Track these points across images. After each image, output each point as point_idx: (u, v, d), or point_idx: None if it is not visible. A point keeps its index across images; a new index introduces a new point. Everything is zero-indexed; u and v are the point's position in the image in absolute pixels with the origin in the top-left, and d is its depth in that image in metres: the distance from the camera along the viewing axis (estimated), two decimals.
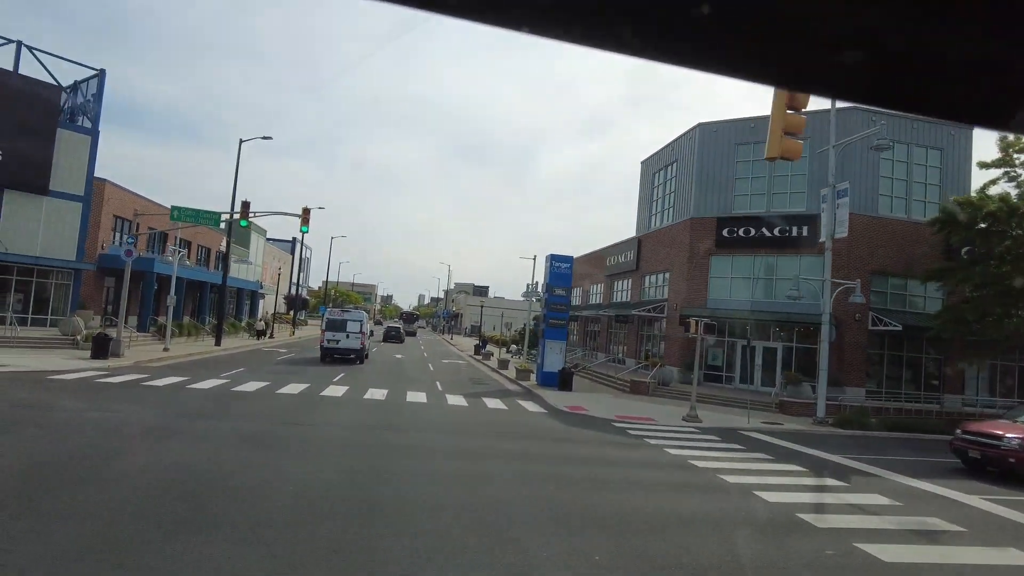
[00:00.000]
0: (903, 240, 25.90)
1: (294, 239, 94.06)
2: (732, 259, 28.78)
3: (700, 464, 12.42)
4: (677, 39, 0.63)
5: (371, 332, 40.17)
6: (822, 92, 0.75)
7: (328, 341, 30.74)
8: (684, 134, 32.44)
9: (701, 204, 30.00)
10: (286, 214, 29.52)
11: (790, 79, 0.78)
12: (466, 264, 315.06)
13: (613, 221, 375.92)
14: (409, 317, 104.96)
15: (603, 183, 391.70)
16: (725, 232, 28.64)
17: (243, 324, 49.14)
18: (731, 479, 11.11)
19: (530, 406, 19.91)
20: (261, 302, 69.02)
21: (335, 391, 19.07)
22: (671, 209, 33.31)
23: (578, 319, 45.21)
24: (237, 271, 56.75)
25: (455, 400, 19.65)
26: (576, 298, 48.03)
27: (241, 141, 34.78)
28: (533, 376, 28.10)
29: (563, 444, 13.95)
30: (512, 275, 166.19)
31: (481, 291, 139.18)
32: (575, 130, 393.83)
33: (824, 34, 0.62)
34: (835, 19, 0.60)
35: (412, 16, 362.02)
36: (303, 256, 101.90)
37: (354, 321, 31.59)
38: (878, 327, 24.87)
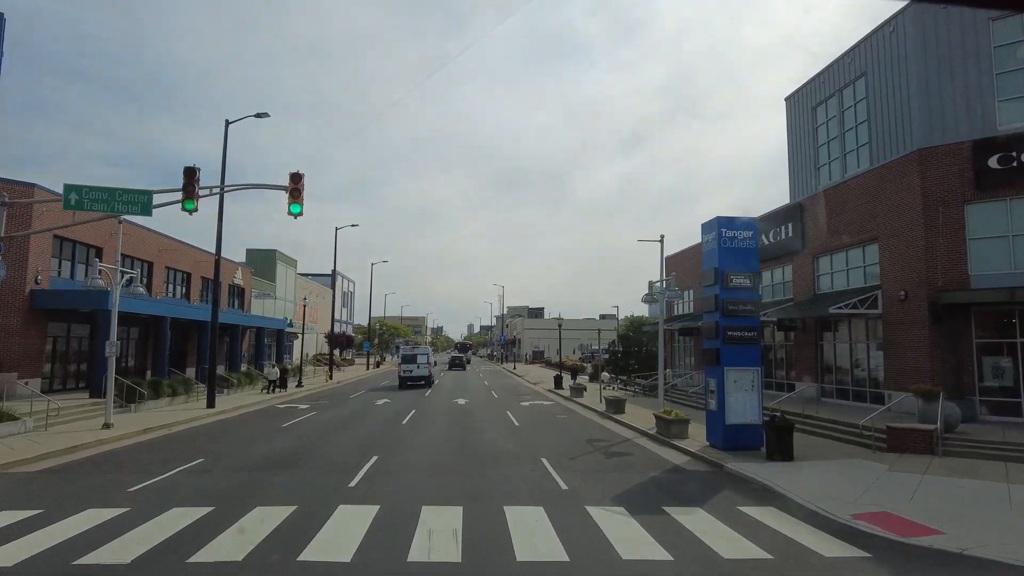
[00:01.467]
0: None
1: (334, 271, 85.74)
2: (1008, 205, 17.01)
3: None
4: None
5: (435, 362, 48.30)
6: None
7: (404, 371, 38.63)
8: (876, 31, 21.00)
9: (935, 125, 18.41)
10: (266, 187, 19.31)
11: None
12: (513, 288, 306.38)
13: (652, 232, 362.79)
14: (462, 347, 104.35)
15: (642, 198, 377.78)
16: (992, 162, 16.96)
17: (265, 372, 39.55)
18: None
19: (790, 526, 8.68)
20: (296, 343, 60.02)
21: (337, 537, 8.34)
22: (863, 148, 21.73)
23: (691, 333, 33.63)
24: (262, 308, 47.83)
25: (609, 521, 8.66)
26: (681, 306, 36.53)
27: (228, 122, 25.31)
28: (689, 428, 16.95)
29: None
30: (568, 295, 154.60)
31: (536, 313, 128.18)
32: (611, 150, 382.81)
33: None
34: None
35: (440, 55, 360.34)
36: (345, 290, 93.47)
37: (422, 355, 39.23)
38: None
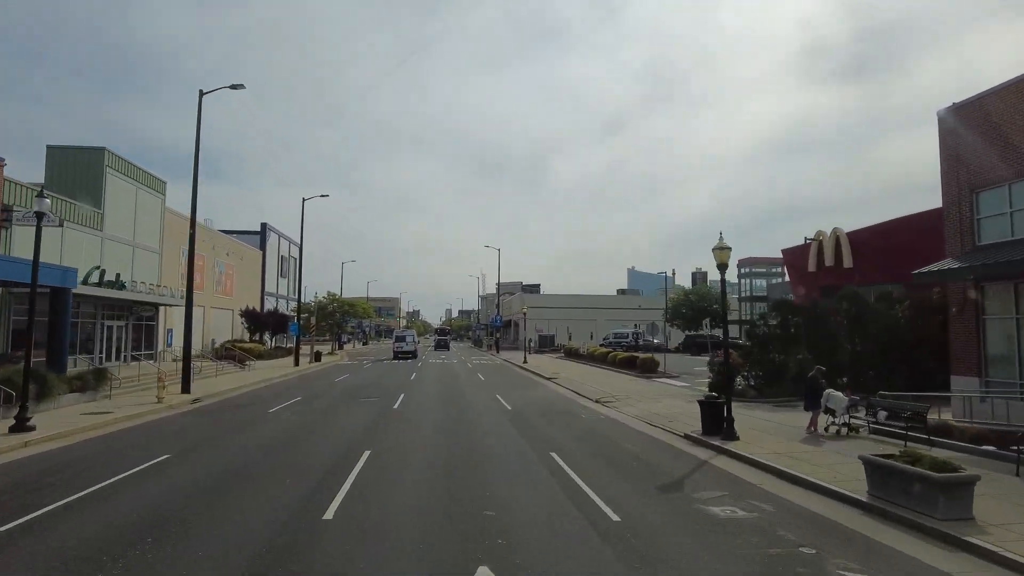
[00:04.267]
0: None
1: (264, 227, 62.33)
2: None
3: None
4: None
5: (419, 341, 65.90)
6: None
7: (396, 347, 51.04)
8: None
9: None
10: None
11: None
12: (496, 267, 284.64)
13: (634, 222, 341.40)
14: (442, 331, 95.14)
15: (622, 183, 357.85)
16: None
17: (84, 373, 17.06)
18: None
19: None
20: (170, 320, 37.20)
21: None
22: None
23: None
24: (59, 248, 24.05)
25: None
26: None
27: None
28: None
29: None
30: (551, 279, 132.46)
31: (532, 290, 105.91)
32: (590, 135, 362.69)
33: None
34: None
35: (417, 37, 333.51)
36: (283, 254, 70.09)
37: (410, 336, 54.90)
38: None
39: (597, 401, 21.18)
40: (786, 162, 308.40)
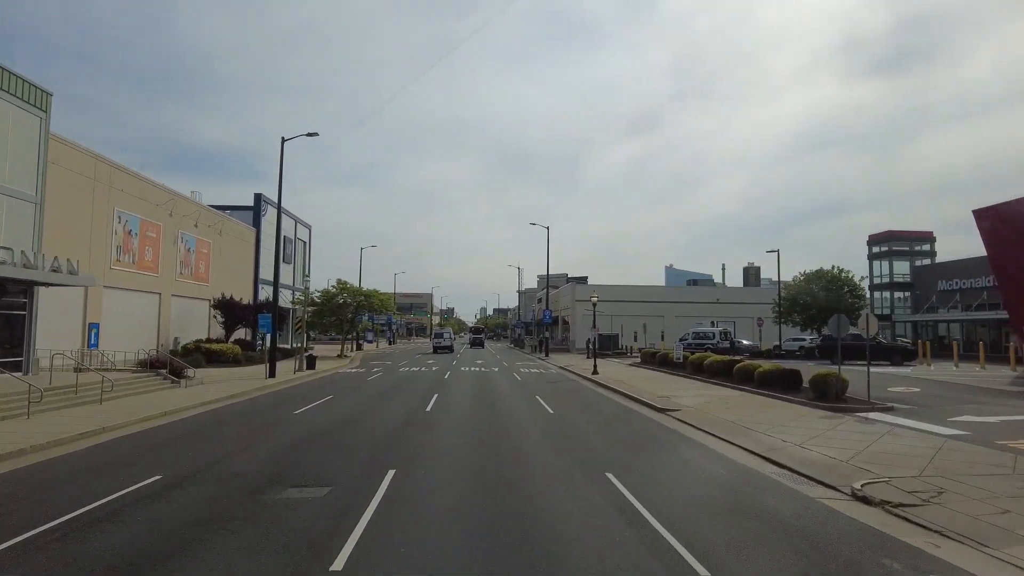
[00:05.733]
0: None
1: (259, 199, 50.78)
2: None
3: None
4: None
5: (455, 337, 71.66)
6: None
7: (435, 342, 61.53)
8: None
9: None
10: None
11: None
12: (531, 267, 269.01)
13: (660, 222, 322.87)
14: (477, 330, 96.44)
15: (653, 180, 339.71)
16: None
17: None
18: None
19: None
20: (84, 300, 25.57)
21: None
22: None
23: None
24: None
25: None
26: None
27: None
28: None
29: None
30: (592, 275, 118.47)
31: (581, 282, 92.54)
32: (621, 131, 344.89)
33: None
34: None
35: (451, 36, 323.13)
36: (280, 235, 58.56)
37: (448, 332, 63.89)
38: None
39: (892, 507, 8.12)
40: (824, 157, 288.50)
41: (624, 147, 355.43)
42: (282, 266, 54.30)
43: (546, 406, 19.01)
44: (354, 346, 59.81)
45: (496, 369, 36.17)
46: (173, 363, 23.30)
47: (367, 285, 51.68)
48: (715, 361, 25.45)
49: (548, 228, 53.11)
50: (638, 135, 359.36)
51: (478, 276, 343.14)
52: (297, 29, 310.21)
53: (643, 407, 19.06)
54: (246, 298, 43.11)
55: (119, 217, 29.03)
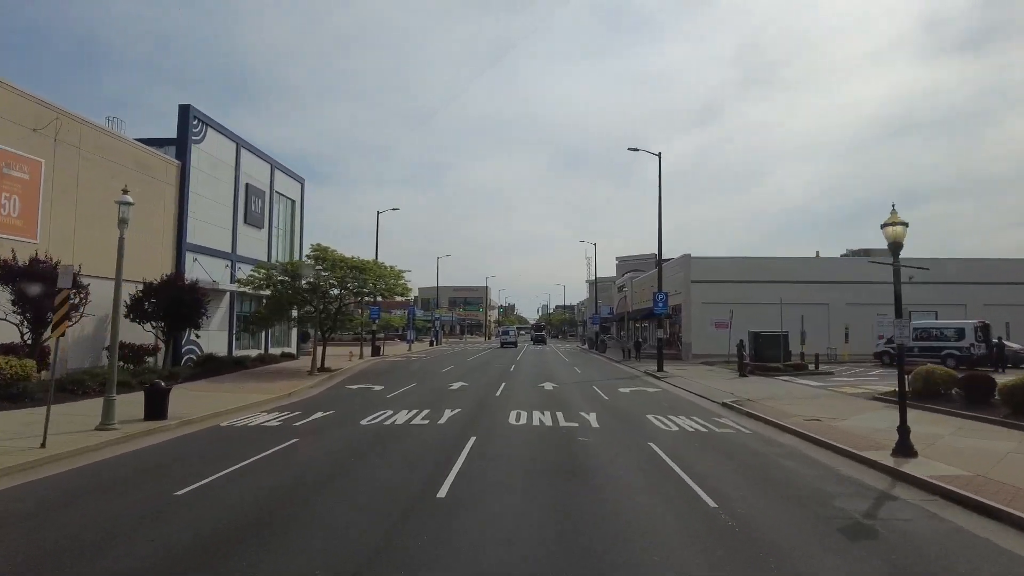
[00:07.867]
0: None
1: (187, 112, 32.46)
2: None
3: None
4: None
5: (519, 334, 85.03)
6: None
7: (502, 338, 69.03)
8: None
9: None
10: None
11: None
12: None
13: (725, 212, 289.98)
14: (537, 327, 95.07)
15: (716, 170, 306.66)
16: None
17: None
18: None
19: None
20: None
21: None
22: None
23: None
24: None
25: None
26: None
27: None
28: None
29: None
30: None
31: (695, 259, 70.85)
32: (682, 124, 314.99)
33: None
34: None
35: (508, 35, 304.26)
36: (244, 182, 39.05)
37: (512, 330, 73.95)
38: None
39: None
40: (900, 145, 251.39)
41: (688, 138, 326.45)
42: (244, 228, 36.62)
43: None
44: (361, 350, 41.48)
45: (593, 421, 15.88)
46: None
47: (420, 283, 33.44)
48: None
49: (659, 178, 33.07)
50: (702, 126, 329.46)
51: (537, 273, 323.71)
52: (354, 30, 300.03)
53: None
54: (156, 271, 25.15)
55: None
